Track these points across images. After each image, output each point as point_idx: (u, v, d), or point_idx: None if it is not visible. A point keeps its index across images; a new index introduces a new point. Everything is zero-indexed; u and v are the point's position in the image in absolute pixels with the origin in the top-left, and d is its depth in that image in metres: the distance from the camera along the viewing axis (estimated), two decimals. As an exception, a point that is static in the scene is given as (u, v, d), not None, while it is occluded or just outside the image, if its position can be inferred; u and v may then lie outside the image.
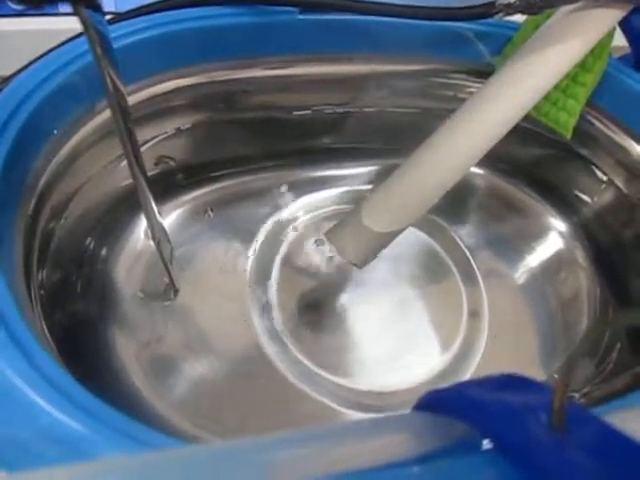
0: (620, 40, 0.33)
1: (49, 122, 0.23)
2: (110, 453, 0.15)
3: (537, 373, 0.31)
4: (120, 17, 0.28)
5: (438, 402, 0.16)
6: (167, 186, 0.33)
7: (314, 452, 0.14)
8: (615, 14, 0.27)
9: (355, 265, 0.29)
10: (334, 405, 0.29)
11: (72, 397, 0.16)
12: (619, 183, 0.33)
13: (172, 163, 0.33)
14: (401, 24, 0.29)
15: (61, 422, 0.15)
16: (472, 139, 0.27)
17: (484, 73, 0.30)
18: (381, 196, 0.29)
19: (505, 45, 0.32)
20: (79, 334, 0.26)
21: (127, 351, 0.27)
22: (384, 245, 0.30)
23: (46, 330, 0.21)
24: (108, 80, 0.17)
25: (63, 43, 0.24)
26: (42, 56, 0.23)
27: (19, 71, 0.23)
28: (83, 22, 0.15)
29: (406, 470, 0.13)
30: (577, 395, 0.28)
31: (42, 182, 0.23)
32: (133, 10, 0.29)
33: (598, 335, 0.12)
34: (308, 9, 0.28)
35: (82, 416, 0.15)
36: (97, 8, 0.16)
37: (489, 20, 0.28)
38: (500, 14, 0.26)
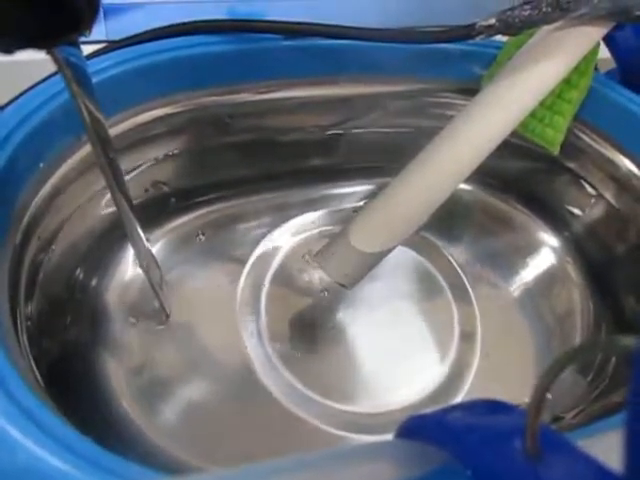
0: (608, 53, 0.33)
1: (35, 155, 0.23)
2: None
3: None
4: (110, 47, 0.29)
5: (418, 429, 0.16)
6: (159, 211, 0.33)
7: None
8: (597, 32, 0.27)
9: (344, 286, 0.29)
10: (329, 428, 0.29)
11: (52, 431, 0.16)
12: (609, 197, 0.33)
13: (166, 188, 0.33)
14: (385, 46, 0.29)
15: (40, 457, 0.15)
16: (458, 158, 0.27)
17: (473, 91, 0.30)
18: (368, 216, 0.29)
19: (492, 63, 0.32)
20: (69, 362, 0.26)
21: (118, 377, 0.27)
22: (372, 266, 0.30)
23: (32, 361, 0.21)
24: (85, 113, 0.18)
25: (48, 77, 0.24)
26: (28, 90, 0.24)
27: (5, 105, 0.24)
28: (56, 61, 0.16)
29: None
30: (568, 416, 0.28)
31: (29, 213, 0.23)
32: (123, 40, 0.29)
33: (569, 362, 0.12)
34: (292, 36, 0.29)
35: (61, 451, 0.15)
36: (73, 43, 0.17)
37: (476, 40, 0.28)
38: (481, 35, 0.27)
